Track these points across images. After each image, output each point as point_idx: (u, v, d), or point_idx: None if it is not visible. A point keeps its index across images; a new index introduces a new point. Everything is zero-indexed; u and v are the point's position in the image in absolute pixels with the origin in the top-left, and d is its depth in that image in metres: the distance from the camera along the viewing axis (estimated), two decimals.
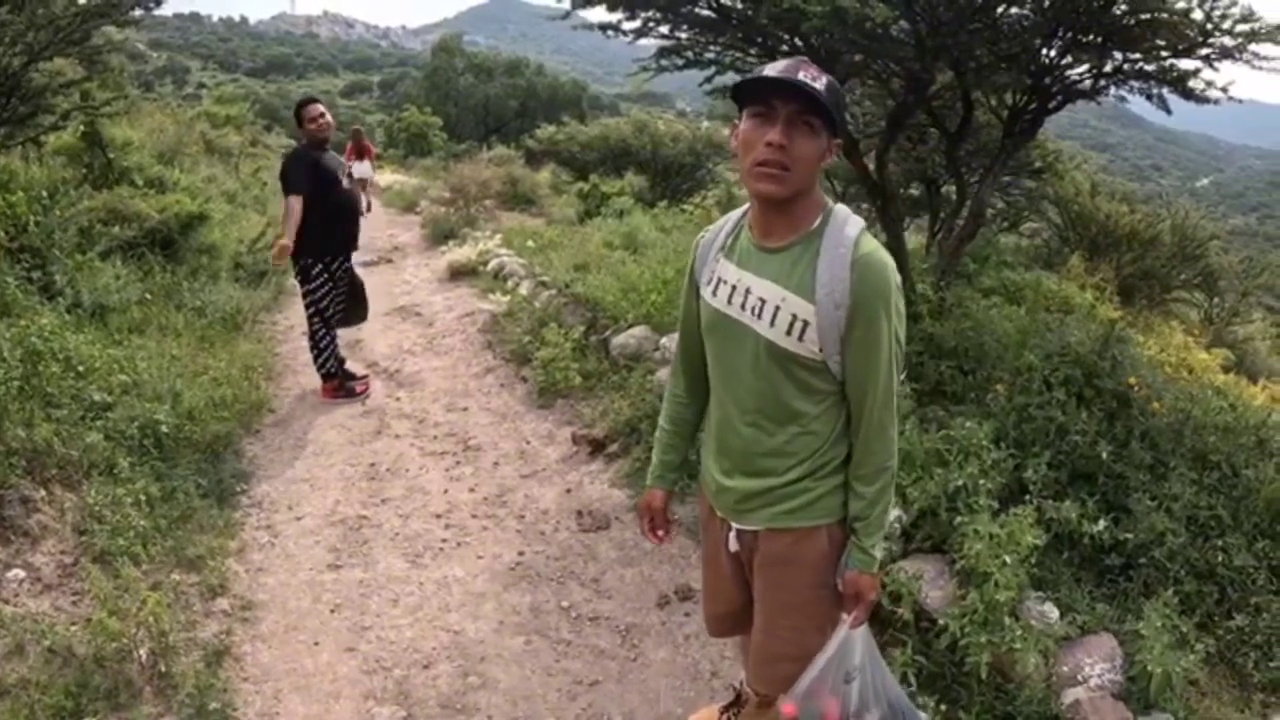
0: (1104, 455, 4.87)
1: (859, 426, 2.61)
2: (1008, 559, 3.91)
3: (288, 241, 6.96)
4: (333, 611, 4.62)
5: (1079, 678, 3.83)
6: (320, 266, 7.21)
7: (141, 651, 3.88)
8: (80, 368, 5.85)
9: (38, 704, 3.52)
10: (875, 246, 2.46)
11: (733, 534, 2.84)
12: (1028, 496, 4.54)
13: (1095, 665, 3.87)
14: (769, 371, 2.59)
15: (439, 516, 5.67)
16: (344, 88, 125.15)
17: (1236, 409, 5.74)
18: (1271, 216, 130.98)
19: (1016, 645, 3.74)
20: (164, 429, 5.67)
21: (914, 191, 13.85)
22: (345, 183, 7.28)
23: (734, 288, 2.62)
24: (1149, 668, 3.70)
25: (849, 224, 2.50)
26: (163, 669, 3.88)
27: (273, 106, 61.53)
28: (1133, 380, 5.32)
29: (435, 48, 57.14)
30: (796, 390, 2.59)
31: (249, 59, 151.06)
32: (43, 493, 4.78)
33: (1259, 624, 4.24)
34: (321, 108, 7.30)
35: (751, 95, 2.44)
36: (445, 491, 6.02)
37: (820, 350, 2.50)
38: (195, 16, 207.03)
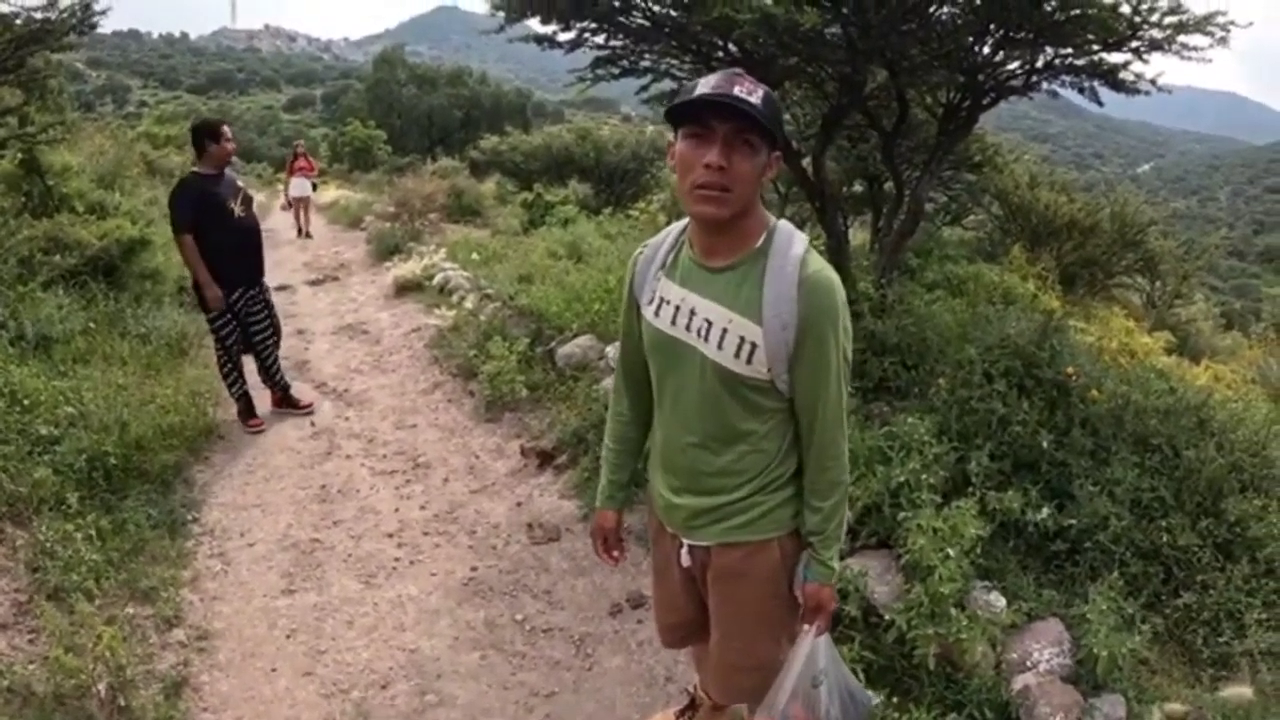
0: (1044, 444, 4.94)
1: (810, 444, 2.61)
2: (951, 551, 3.99)
3: (207, 287, 6.95)
4: (288, 637, 4.63)
5: (1028, 664, 3.92)
6: (219, 296, 7.09)
7: (100, 687, 3.87)
8: (26, 401, 5.84)
9: None
10: (822, 265, 2.46)
11: (684, 550, 2.84)
12: (971, 488, 4.60)
13: (1044, 651, 3.96)
14: (715, 393, 2.57)
15: (391, 536, 5.70)
16: (287, 102, 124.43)
17: (1176, 391, 5.81)
18: (1212, 199, 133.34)
19: (963, 635, 3.81)
20: (112, 460, 5.65)
21: (858, 189, 14.00)
22: (239, 210, 7.11)
23: (678, 308, 2.60)
24: (1095, 650, 3.80)
25: (794, 242, 2.48)
26: (122, 703, 3.88)
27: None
28: (1070, 370, 5.40)
29: (377, 60, 56.89)
30: (744, 411, 2.58)
31: (190, 75, 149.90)
32: None
33: (1206, 601, 4.33)
34: (228, 131, 7.20)
35: (686, 114, 2.39)
36: (396, 510, 6.04)
37: (769, 370, 2.49)
38: (135, 34, 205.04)
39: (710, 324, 2.52)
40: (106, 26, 7.53)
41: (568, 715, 4.08)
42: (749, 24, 5.31)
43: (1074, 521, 4.59)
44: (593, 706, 4.13)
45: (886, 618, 4.04)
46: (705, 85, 2.34)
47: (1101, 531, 4.55)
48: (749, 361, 2.48)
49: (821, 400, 2.52)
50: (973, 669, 3.92)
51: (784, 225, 2.53)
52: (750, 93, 2.30)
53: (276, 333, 7.79)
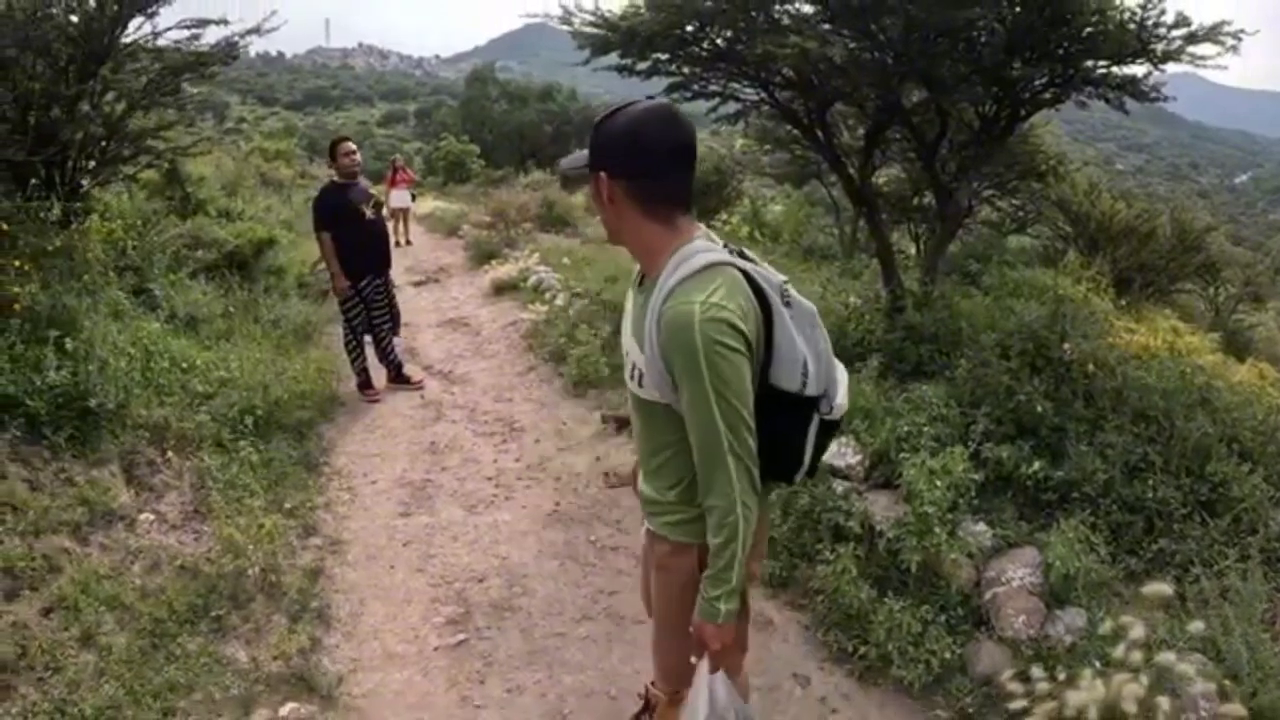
0: (1039, 409, 5.58)
1: (698, 468, 2.57)
2: (939, 482, 4.80)
3: (338, 277, 8.28)
4: (405, 545, 5.78)
5: (1002, 580, 4.67)
6: (347, 285, 8.36)
7: (255, 569, 5.06)
8: (184, 365, 7.02)
9: (174, 601, 4.70)
10: (682, 300, 2.40)
11: (644, 529, 3.07)
12: (969, 441, 5.36)
13: (1018, 570, 4.69)
14: (637, 403, 2.73)
15: (490, 479, 6.78)
16: (380, 118, 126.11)
17: (1186, 374, 6.27)
18: None
19: (942, 548, 4.62)
20: (259, 412, 6.84)
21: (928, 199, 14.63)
22: (369, 213, 8.41)
23: (622, 322, 2.82)
24: (1049, 561, 4.58)
25: (675, 272, 2.46)
26: (272, 580, 5.07)
27: (311, 138, 62.58)
28: (1066, 345, 6.02)
29: (469, 77, 57.25)
30: (659, 422, 2.67)
31: (287, 92, 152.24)
32: (166, 457, 5.96)
33: (1182, 547, 4.88)
34: (352, 145, 8.54)
35: None
36: (495, 461, 7.12)
37: (659, 394, 2.55)
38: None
39: (624, 344, 2.74)
40: (204, 45, 8.57)
41: (624, 608, 5.05)
42: (788, 58, 6.16)
43: (1061, 474, 5.24)
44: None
45: (879, 530, 4.93)
46: None
47: (1088, 484, 5.18)
48: (640, 385, 2.62)
49: (694, 433, 2.51)
50: (951, 578, 4.72)
51: (682, 251, 2.52)
52: (576, 152, 2.65)
53: (395, 320, 8.97)
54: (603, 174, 2.51)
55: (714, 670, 2.76)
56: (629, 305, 2.76)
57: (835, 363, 2.76)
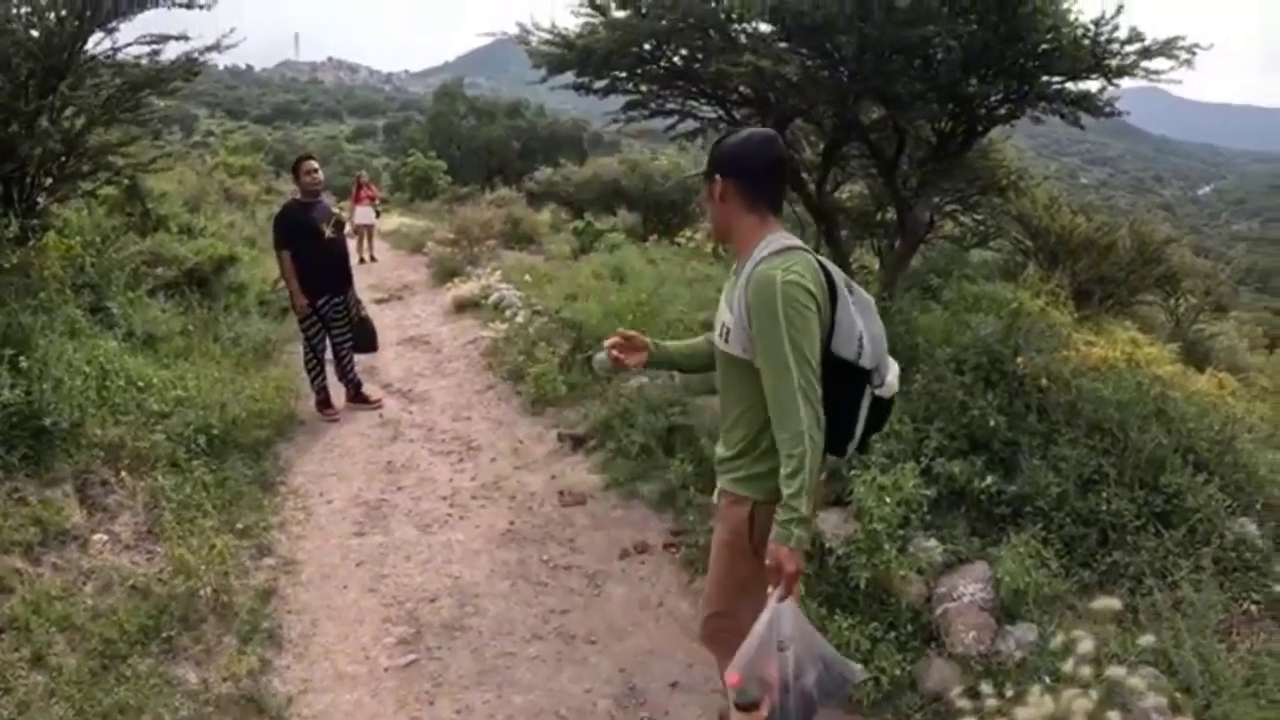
0: (992, 424, 5.62)
1: (770, 407, 3.00)
2: (888, 499, 4.80)
3: (296, 295, 8.30)
4: (358, 565, 5.76)
5: (954, 595, 4.68)
6: (306, 304, 8.37)
7: (207, 590, 5.03)
8: (140, 384, 6.95)
9: (125, 623, 4.66)
10: (769, 267, 2.96)
11: (717, 490, 3.44)
12: (921, 457, 5.38)
13: (969, 586, 4.70)
14: (722, 361, 3.26)
15: (445, 498, 6.78)
16: (350, 133, 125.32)
17: (1141, 386, 6.26)
18: (1275, 220, 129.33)
19: (892, 564, 4.63)
20: (215, 431, 6.79)
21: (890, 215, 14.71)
22: (329, 232, 8.42)
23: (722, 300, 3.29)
24: (1000, 576, 4.61)
25: (763, 251, 3.05)
26: (225, 600, 5.05)
27: (279, 152, 62.20)
28: (1019, 360, 6.03)
29: (438, 92, 57.09)
30: (739, 379, 3.16)
31: (255, 106, 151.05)
32: (120, 477, 5.90)
33: (1135, 559, 4.89)
34: (314, 164, 8.58)
35: None
36: (450, 480, 7.13)
37: (743, 350, 3.07)
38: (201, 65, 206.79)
39: (719, 311, 3.27)
40: (169, 56, 8.52)
41: (576, 626, 5.08)
42: (742, 76, 6.20)
43: (1014, 488, 5.25)
44: (597, 621, 5.14)
45: (829, 547, 4.93)
46: None
47: (1042, 498, 5.19)
48: (727, 342, 3.15)
49: (767, 369, 2.97)
50: (901, 594, 4.73)
51: (769, 238, 3.10)
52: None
53: (371, 338, 9.08)
54: (717, 176, 3.15)
55: (783, 599, 2.98)
56: (726, 286, 3.29)
57: (888, 355, 3.29)
